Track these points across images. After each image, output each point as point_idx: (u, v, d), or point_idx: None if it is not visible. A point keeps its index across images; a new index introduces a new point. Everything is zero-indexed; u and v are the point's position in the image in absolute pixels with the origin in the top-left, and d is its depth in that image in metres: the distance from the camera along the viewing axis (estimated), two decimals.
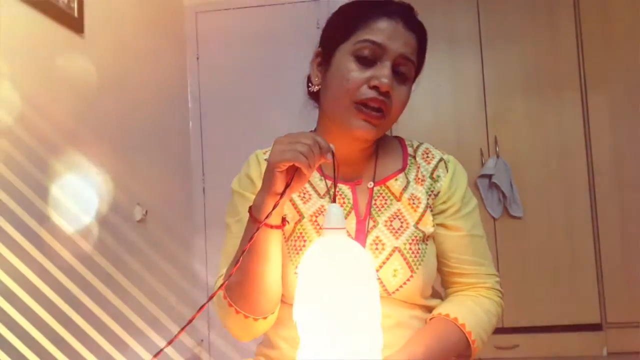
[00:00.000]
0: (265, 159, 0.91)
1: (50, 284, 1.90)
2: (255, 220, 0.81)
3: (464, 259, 0.98)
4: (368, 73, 0.90)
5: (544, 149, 2.89)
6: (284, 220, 0.85)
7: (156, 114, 2.81)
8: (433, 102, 2.92)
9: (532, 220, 2.87)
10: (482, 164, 2.90)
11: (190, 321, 0.68)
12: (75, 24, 2.12)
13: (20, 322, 1.74)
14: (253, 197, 0.87)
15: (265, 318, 0.89)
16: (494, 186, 2.86)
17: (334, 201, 0.78)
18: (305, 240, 0.94)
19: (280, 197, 0.79)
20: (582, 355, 2.75)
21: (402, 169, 1.00)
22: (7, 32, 1.77)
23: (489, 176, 2.86)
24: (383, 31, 0.90)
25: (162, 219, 2.73)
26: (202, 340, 3.12)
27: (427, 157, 1.01)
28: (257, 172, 1.00)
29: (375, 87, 0.89)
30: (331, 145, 0.79)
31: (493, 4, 2.97)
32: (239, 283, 0.86)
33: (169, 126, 2.99)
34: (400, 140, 1.06)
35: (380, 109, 0.90)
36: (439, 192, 0.98)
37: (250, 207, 0.83)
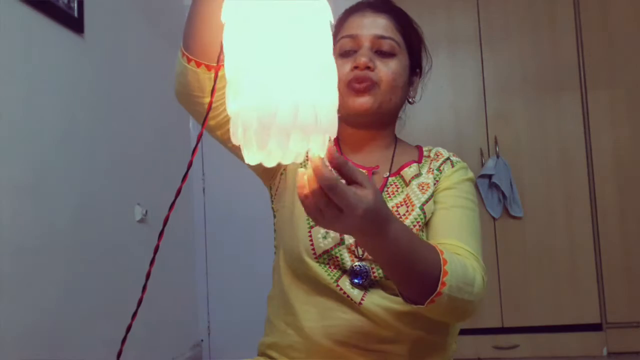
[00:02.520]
0: None
1: (49, 283, 1.90)
2: None
3: (447, 230, 0.94)
4: (350, 61, 1.00)
5: (544, 149, 2.89)
6: None
7: (156, 113, 2.81)
8: (433, 102, 2.92)
9: (532, 220, 2.87)
10: (482, 164, 2.90)
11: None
12: (75, 24, 2.12)
13: (21, 317, 1.74)
14: None
15: (209, 69, 0.88)
16: (494, 186, 2.86)
17: None
18: None
19: None
20: (582, 355, 2.75)
21: (417, 162, 1.05)
22: (6, 32, 1.77)
23: (489, 176, 2.86)
24: (354, 24, 1.02)
25: (162, 219, 2.72)
26: (202, 340, 3.12)
27: (437, 157, 1.07)
28: None
29: (355, 68, 0.98)
30: None
31: (493, 4, 2.97)
32: (188, 26, 0.88)
33: (169, 126, 2.99)
34: (418, 146, 1.12)
35: (364, 81, 0.98)
36: (439, 179, 1.02)
37: None
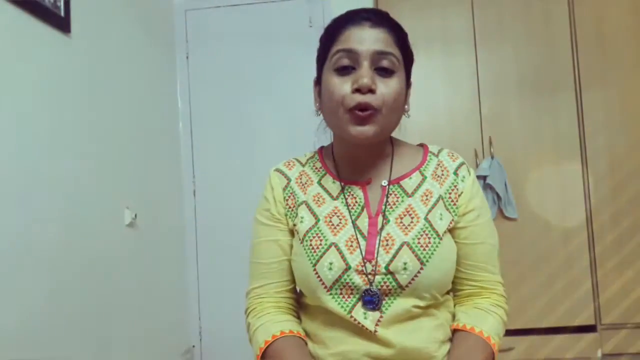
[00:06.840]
0: (277, 172, 1.10)
1: (36, 287, 1.85)
2: None
3: (477, 265, 1.04)
4: (349, 80, 0.95)
5: (538, 150, 2.87)
6: None
7: (145, 114, 2.76)
8: (427, 102, 2.89)
9: (527, 221, 2.85)
10: (477, 165, 2.88)
11: None
12: (61, 23, 2.08)
13: (6, 321, 1.70)
14: (270, 220, 1.04)
15: None
16: (488, 187, 2.84)
17: None
18: (321, 240, 0.98)
19: None
20: (576, 357, 2.74)
21: (419, 166, 1.05)
22: None
23: (484, 177, 2.83)
24: (351, 37, 0.97)
25: (152, 222, 2.68)
26: (193, 346, 3.08)
27: (453, 156, 1.07)
28: (269, 191, 1.08)
29: (357, 90, 0.94)
30: None
31: (488, 4, 2.94)
32: None
33: (158, 127, 2.93)
34: (423, 144, 1.11)
35: (367, 109, 0.94)
36: (463, 192, 1.04)
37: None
